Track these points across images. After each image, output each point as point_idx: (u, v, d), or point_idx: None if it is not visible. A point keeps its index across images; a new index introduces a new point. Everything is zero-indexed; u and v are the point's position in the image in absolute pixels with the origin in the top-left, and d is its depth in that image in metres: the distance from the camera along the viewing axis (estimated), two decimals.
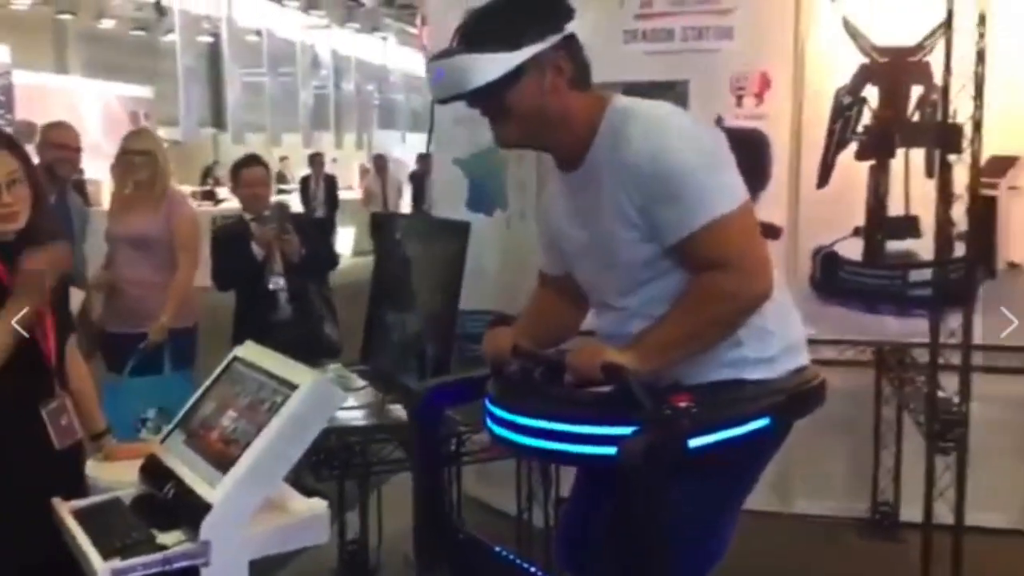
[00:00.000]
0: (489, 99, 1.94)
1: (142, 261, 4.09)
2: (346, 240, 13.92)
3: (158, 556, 1.83)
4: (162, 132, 11.28)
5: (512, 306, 3.21)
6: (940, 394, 3.20)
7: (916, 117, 3.75)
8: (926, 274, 3.56)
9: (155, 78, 17.23)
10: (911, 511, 3.61)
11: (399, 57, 25.72)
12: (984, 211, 3.34)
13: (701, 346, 1.92)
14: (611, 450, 1.73)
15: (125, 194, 4.22)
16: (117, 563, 1.81)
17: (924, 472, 3.21)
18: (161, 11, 16.80)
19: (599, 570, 1.98)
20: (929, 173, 3.60)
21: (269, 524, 1.96)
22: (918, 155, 3.74)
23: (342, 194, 14.47)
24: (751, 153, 3.71)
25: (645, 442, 1.70)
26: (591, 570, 2.04)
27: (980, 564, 3.26)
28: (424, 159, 13.92)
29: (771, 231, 3.53)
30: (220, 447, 2.02)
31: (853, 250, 3.88)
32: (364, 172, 17.90)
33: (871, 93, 3.81)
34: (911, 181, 3.76)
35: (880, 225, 3.83)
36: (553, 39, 1.92)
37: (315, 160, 14.02)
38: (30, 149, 2.85)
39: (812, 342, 2.13)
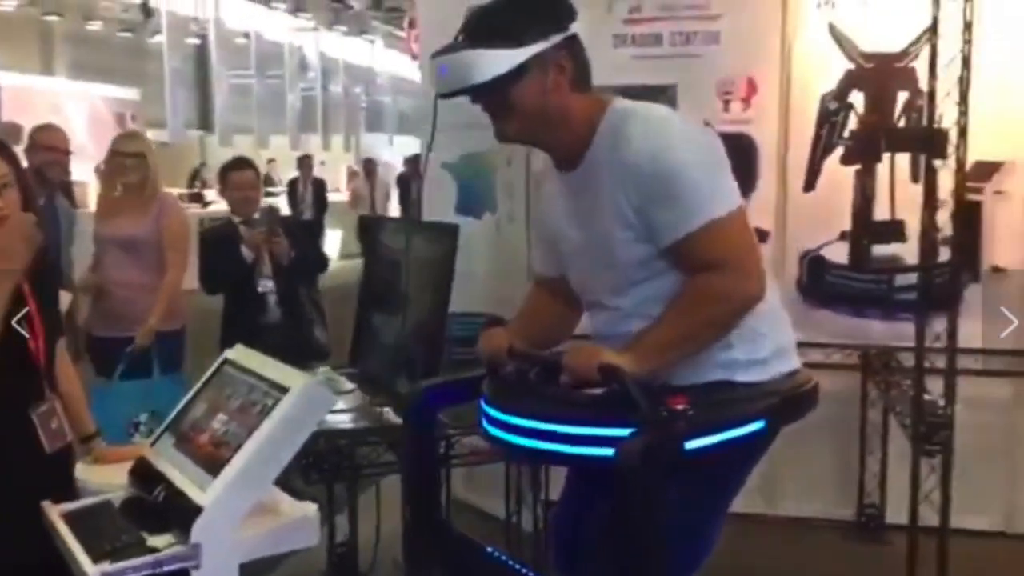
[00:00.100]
0: (492, 95, 1.96)
1: (130, 263, 4.08)
2: (333, 243, 13.90)
3: (148, 559, 1.83)
4: (149, 134, 11.19)
5: (501, 309, 3.20)
6: (926, 397, 3.22)
7: (902, 122, 3.80)
8: (911, 278, 3.58)
9: (142, 80, 17.17)
10: (897, 513, 3.64)
11: (386, 60, 25.72)
12: (969, 216, 3.37)
13: (696, 347, 1.94)
14: (608, 451, 1.75)
15: (114, 196, 4.21)
16: (107, 566, 1.81)
17: (910, 475, 3.23)
18: (148, 13, 16.75)
19: (592, 570, 1.99)
20: (915, 178, 3.64)
21: (260, 527, 1.96)
22: (904, 160, 3.77)
23: (329, 196, 14.46)
24: (738, 158, 3.69)
25: (643, 443, 1.71)
26: (584, 571, 2.05)
27: (965, 566, 3.28)
28: (413, 162, 13.98)
29: (758, 235, 3.53)
30: (210, 450, 2.02)
31: (839, 254, 3.92)
32: (352, 175, 17.89)
33: (857, 98, 3.85)
34: (897, 186, 3.79)
35: (866, 229, 3.86)
36: (556, 38, 1.94)
37: (304, 163, 14.01)
38: (17, 151, 2.85)
39: (799, 345, 2.15)
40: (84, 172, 11.31)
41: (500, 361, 2.08)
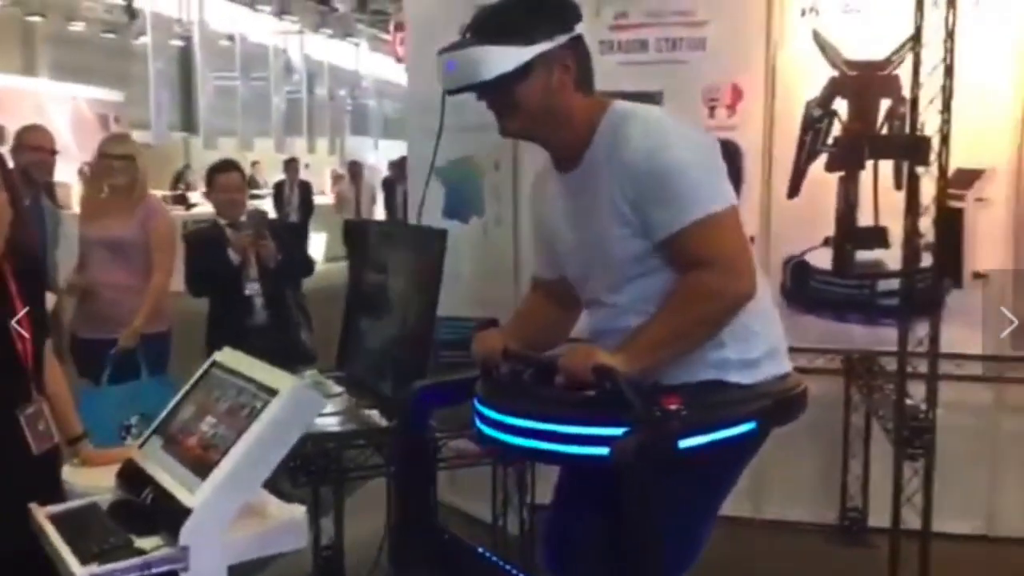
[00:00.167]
0: (499, 92, 1.99)
1: (117, 265, 4.07)
2: (318, 246, 13.88)
3: (137, 561, 1.83)
4: (132, 135, 11.18)
5: (487, 313, 3.24)
6: (908, 401, 3.25)
7: (885, 130, 3.83)
8: (894, 284, 3.62)
9: (125, 81, 17.09)
10: (879, 517, 3.66)
11: (372, 63, 25.70)
12: (951, 222, 3.40)
13: (689, 345, 1.97)
14: (603, 450, 1.77)
15: (100, 198, 4.20)
16: (95, 568, 1.81)
17: (892, 478, 3.26)
18: (132, 14, 16.67)
19: (584, 571, 2.01)
20: (897, 185, 3.67)
21: (248, 529, 1.96)
22: (887, 167, 3.81)
23: (314, 199, 14.42)
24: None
25: (637, 442, 1.74)
26: (576, 571, 2.07)
27: (947, 569, 3.32)
28: (398, 165, 13.97)
29: None
30: (199, 452, 2.02)
31: (823, 260, 3.95)
32: (336, 178, 17.85)
33: (841, 106, 3.88)
34: (880, 192, 3.83)
35: (849, 235, 3.90)
36: (562, 39, 1.98)
37: (290, 166, 13.97)
38: (2, 152, 2.85)
39: None
40: (67, 173, 11.23)
41: (494, 362, 2.10)
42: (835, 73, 3.87)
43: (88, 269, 4.14)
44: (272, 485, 2.18)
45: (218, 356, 2.25)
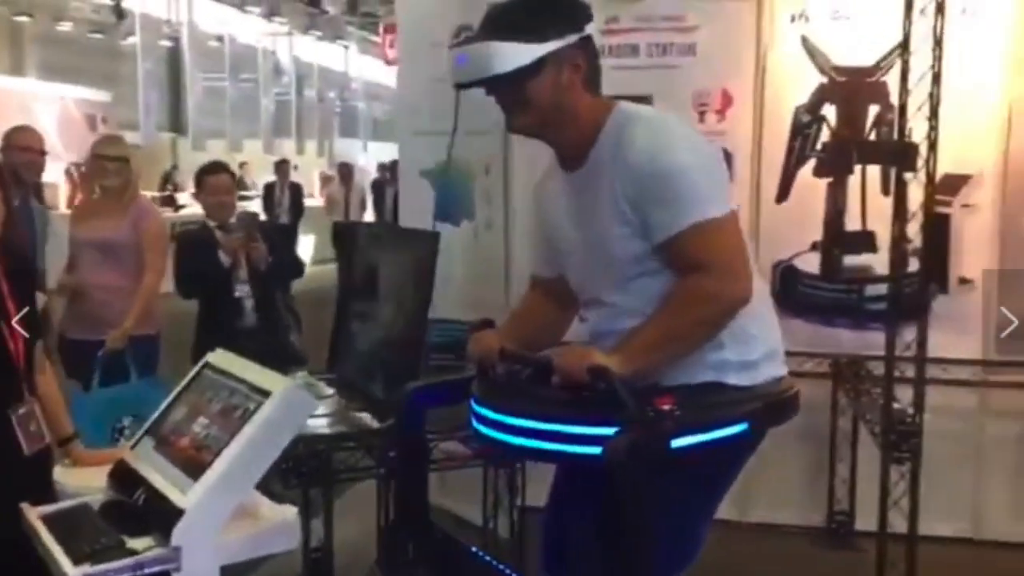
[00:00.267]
0: (509, 87, 2.01)
1: (108, 266, 4.06)
2: (307, 248, 13.85)
3: (129, 561, 1.84)
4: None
5: (477, 316, 3.24)
6: (895, 405, 3.27)
7: (873, 136, 3.85)
8: (882, 288, 3.64)
9: (113, 82, 17.03)
10: (866, 520, 3.67)
11: (361, 65, 25.68)
12: (938, 228, 3.43)
13: (685, 347, 1.99)
14: (596, 450, 1.78)
15: (91, 199, 4.20)
16: (88, 568, 1.81)
17: (879, 482, 3.27)
18: (121, 15, 16.62)
19: (580, 571, 2.02)
20: (885, 190, 3.70)
21: (240, 530, 1.97)
22: (875, 172, 3.83)
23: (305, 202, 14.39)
24: None
25: (629, 441, 1.75)
26: (571, 571, 2.08)
27: (934, 572, 3.33)
28: (390, 168, 13.95)
29: None
30: (191, 453, 2.02)
31: (811, 264, 3.97)
32: (325, 180, 17.82)
33: (829, 111, 3.91)
34: (868, 198, 3.85)
35: (837, 240, 3.92)
36: (573, 38, 2.00)
37: (281, 167, 13.93)
38: None
39: None
40: (54, 173, 11.20)
41: (491, 362, 2.11)
42: (824, 79, 3.90)
43: (78, 270, 4.13)
44: (263, 486, 2.19)
45: (210, 357, 2.26)
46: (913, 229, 3.20)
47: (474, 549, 2.19)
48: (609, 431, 1.78)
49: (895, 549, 3.26)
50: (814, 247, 3.95)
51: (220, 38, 19.59)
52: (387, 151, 18.78)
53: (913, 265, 3.30)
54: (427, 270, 2.99)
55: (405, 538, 2.22)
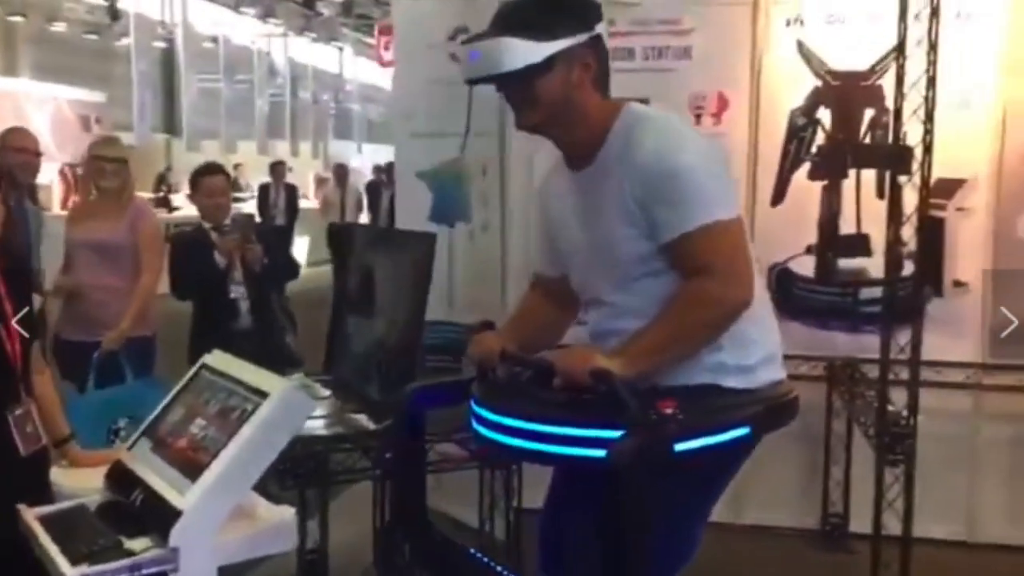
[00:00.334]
0: (520, 85, 2.01)
1: (104, 268, 4.06)
2: (302, 249, 13.83)
3: (127, 562, 1.84)
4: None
5: (474, 318, 3.25)
6: (889, 408, 3.28)
7: (868, 139, 3.87)
8: (876, 291, 3.66)
9: (107, 83, 16.99)
10: (860, 522, 3.69)
11: (356, 67, 25.68)
12: (932, 231, 3.44)
13: (687, 350, 1.99)
14: (600, 452, 1.79)
15: (88, 200, 4.20)
16: (86, 568, 1.81)
17: (873, 484, 3.29)
18: (115, 15, 16.59)
19: (581, 572, 2.03)
20: (880, 194, 3.71)
21: (238, 531, 1.97)
22: (869, 176, 3.86)
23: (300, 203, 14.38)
24: None
25: (635, 444, 1.76)
26: (573, 572, 2.08)
27: (927, 574, 3.35)
28: (384, 170, 13.94)
29: None
30: (189, 454, 2.02)
31: (806, 267, 3.99)
32: (320, 181, 17.81)
33: (824, 115, 3.93)
34: (862, 201, 3.87)
35: (832, 243, 3.94)
36: (583, 37, 2.01)
37: (276, 169, 13.91)
38: None
39: None
40: (48, 174, 11.17)
41: (491, 364, 2.12)
42: (819, 83, 3.92)
43: (75, 271, 4.13)
44: (260, 487, 2.19)
45: (208, 359, 2.26)
46: (908, 232, 3.22)
47: (471, 551, 2.19)
48: (612, 434, 1.79)
49: (889, 551, 3.27)
50: (809, 250, 3.97)
51: (215, 39, 19.55)
52: (381, 153, 18.77)
53: (908, 268, 3.32)
54: (423, 272, 3.00)
55: (401, 540, 2.22)
